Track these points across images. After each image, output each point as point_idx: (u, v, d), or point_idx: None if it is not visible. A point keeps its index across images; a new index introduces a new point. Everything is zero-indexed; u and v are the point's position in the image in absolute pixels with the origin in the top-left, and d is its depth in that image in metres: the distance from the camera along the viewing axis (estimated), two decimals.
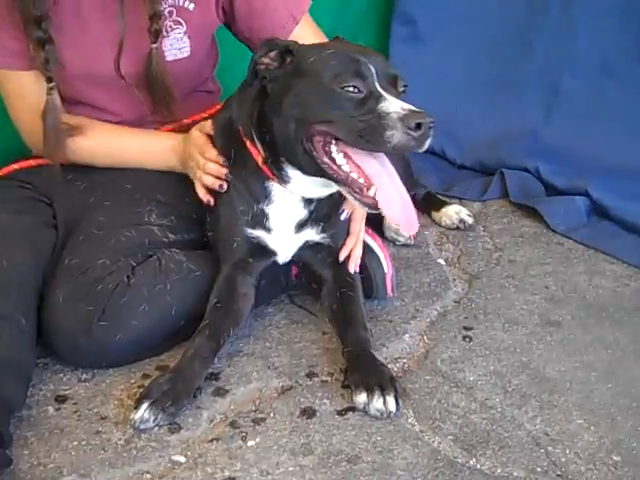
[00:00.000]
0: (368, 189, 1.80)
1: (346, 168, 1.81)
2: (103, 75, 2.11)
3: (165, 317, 1.93)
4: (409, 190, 2.74)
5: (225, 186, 1.99)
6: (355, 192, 1.81)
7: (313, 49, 1.88)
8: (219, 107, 2.16)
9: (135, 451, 1.66)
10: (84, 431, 1.73)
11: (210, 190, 2.03)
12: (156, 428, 1.72)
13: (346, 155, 1.81)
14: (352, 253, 2.10)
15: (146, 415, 1.70)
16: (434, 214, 2.74)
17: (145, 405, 1.71)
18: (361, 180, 1.80)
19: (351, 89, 1.76)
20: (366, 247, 2.17)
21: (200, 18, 2.14)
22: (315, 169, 1.86)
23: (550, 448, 1.68)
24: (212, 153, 2.00)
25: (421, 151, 1.76)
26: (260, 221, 2.01)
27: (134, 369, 1.93)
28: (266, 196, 1.99)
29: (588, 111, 2.96)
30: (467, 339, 2.07)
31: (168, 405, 1.72)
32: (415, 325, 2.13)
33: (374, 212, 1.84)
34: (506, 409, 1.80)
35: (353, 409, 1.78)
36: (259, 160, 1.95)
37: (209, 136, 2.04)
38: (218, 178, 1.99)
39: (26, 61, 2.04)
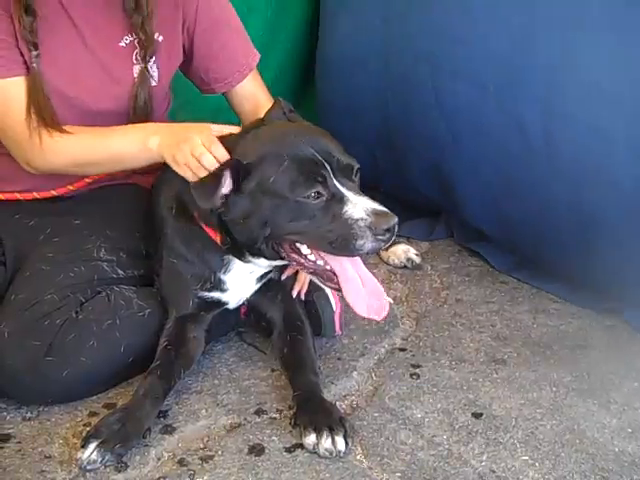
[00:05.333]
0: (335, 276, 1.86)
1: (312, 257, 1.87)
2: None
3: (114, 353, 1.91)
4: None
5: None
6: (325, 281, 1.89)
7: (266, 165, 1.81)
8: None
9: None
10: (28, 470, 1.70)
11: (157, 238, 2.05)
12: (102, 466, 1.69)
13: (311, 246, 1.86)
14: (297, 277, 2.14)
15: (94, 456, 1.67)
16: (382, 253, 2.77)
17: (93, 445, 1.68)
18: (328, 267, 1.87)
19: (313, 196, 1.78)
20: (314, 285, 2.18)
21: (167, 50, 2.19)
22: (281, 259, 1.92)
23: None
24: (220, 151, 1.86)
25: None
26: (216, 286, 2.03)
27: (80, 407, 1.90)
28: (224, 267, 2.01)
29: None
30: (415, 376, 2.08)
31: (117, 446, 1.70)
32: (363, 362, 2.14)
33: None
34: (453, 446, 1.82)
35: (302, 446, 1.78)
36: (218, 240, 1.96)
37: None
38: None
39: (11, 67, 2.02)
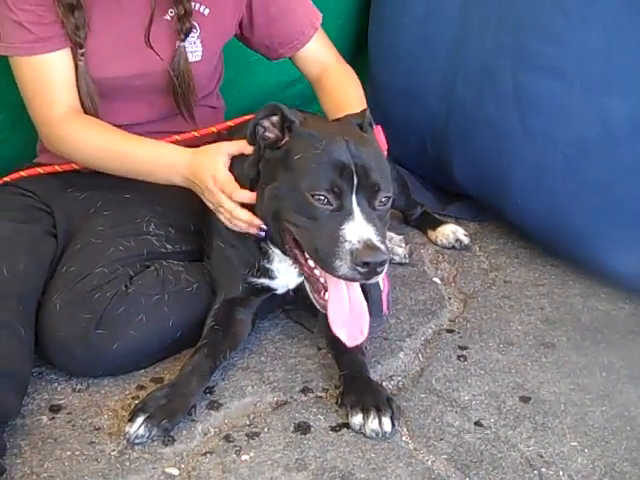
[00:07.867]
0: (325, 292, 1.82)
1: (311, 263, 1.82)
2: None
3: (162, 328, 1.93)
4: (407, 209, 2.76)
5: (262, 233, 1.91)
6: (313, 290, 1.85)
7: (306, 140, 1.81)
8: (226, 124, 2.18)
9: (128, 463, 1.66)
10: (78, 441, 1.72)
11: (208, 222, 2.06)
12: (150, 440, 1.71)
13: None
14: None
15: (141, 430, 1.69)
16: (430, 233, 2.75)
17: (140, 419, 1.70)
18: (322, 279, 1.82)
19: (322, 199, 1.73)
20: None
21: (213, 24, 2.15)
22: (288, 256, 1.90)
23: (543, 470, 1.68)
24: (242, 195, 1.89)
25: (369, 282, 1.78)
26: (264, 273, 2.02)
27: (129, 380, 1.92)
28: (264, 255, 2.00)
29: None
30: (462, 358, 2.07)
31: (163, 421, 1.71)
32: (410, 343, 2.12)
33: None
34: (500, 429, 1.80)
35: (347, 425, 1.78)
36: None
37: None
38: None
39: (52, 41, 2.01)
